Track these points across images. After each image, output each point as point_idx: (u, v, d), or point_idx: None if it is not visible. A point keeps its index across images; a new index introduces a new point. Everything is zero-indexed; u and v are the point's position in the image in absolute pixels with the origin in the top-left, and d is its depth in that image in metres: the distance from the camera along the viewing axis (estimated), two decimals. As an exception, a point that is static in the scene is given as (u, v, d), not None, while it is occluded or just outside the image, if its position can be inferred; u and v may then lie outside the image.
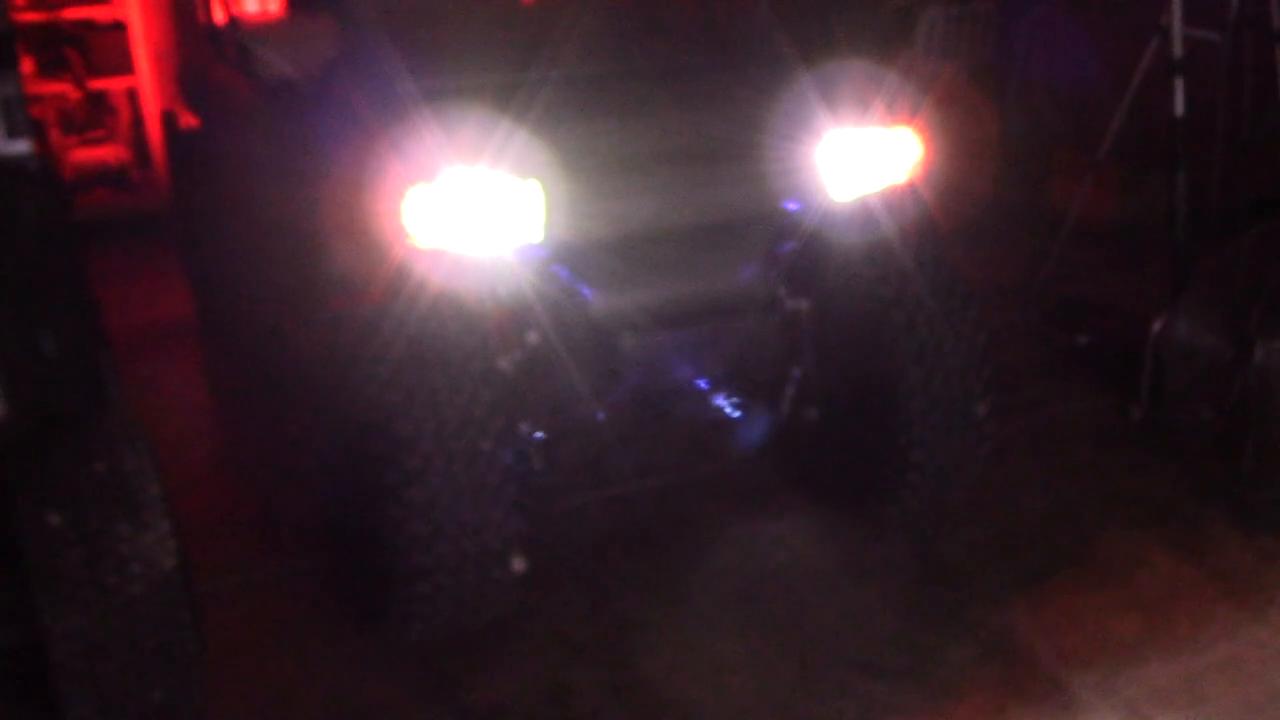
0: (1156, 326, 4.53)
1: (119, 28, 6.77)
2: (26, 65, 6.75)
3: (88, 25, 6.81)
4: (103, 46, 6.78)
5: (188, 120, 5.61)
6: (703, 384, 3.62)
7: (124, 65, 6.80)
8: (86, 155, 6.99)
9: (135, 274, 6.44)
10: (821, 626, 3.62)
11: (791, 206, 3.64)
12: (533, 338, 3.48)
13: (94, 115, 7.05)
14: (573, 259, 3.37)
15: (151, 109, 6.85)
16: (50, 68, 6.79)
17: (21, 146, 2.96)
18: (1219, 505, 4.16)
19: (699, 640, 3.55)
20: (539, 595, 3.61)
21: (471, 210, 3.18)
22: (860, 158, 3.62)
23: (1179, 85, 4.71)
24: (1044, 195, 6.36)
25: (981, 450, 3.87)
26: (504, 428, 3.23)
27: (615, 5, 3.55)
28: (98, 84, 6.86)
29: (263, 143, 4.16)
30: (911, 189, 3.75)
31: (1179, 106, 4.72)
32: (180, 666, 2.90)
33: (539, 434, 3.55)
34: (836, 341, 3.85)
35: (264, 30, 4.44)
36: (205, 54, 5.03)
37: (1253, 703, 3.30)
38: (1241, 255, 4.23)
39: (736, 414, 3.70)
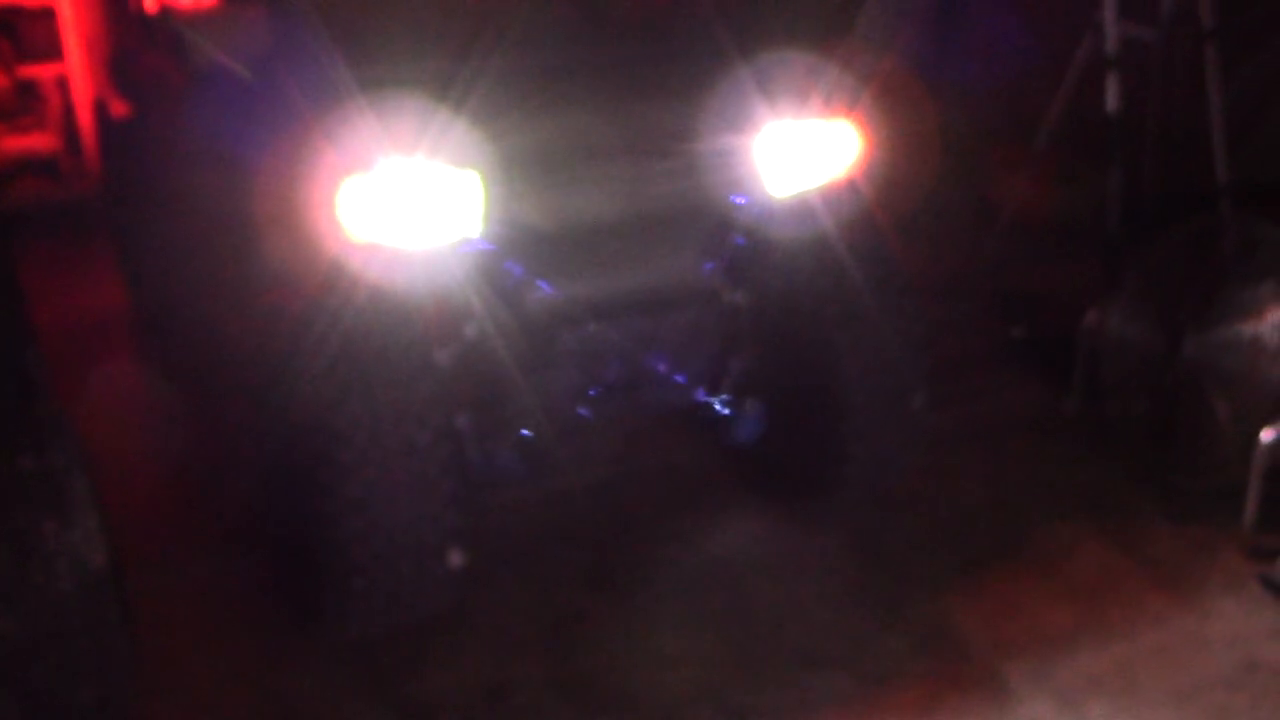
0: (1090, 319, 4.59)
1: (48, 13, 6.62)
2: (-49, 50, 6.60)
3: (16, 10, 6.65)
4: (32, 32, 6.62)
5: (120, 109, 5.51)
6: (644, 374, 3.61)
7: (53, 51, 6.65)
8: (15, 143, 6.84)
9: (66, 264, 6.30)
10: (761, 618, 3.64)
11: (731, 199, 3.64)
12: (470, 331, 3.45)
13: (22, 102, 6.89)
14: (511, 252, 3.34)
15: (82, 96, 6.70)
16: (-24, 52, 6.63)
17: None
18: (1151, 496, 4.23)
19: (639, 634, 3.55)
20: (477, 590, 3.58)
21: (408, 202, 3.14)
22: (799, 150, 3.62)
23: (1113, 80, 4.76)
24: (979, 188, 6.41)
25: (919, 441, 3.90)
26: (441, 422, 3.21)
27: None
28: (26, 70, 6.71)
29: (195, 132, 4.09)
30: (851, 182, 3.76)
31: (1112, 102, 4.77)
32: (109, 666, 2.85)
33: (474, 427, 3.53)
34: (775, 334, 3.86)
35: (196, 18, 4.34)
36: (136, 41, 4.93)
37: (1181, 690, 3.36)
38: (1173, 250, 4.30)
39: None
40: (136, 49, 4.94)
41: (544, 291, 3.39)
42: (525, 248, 3.37)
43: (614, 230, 3.44)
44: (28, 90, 6.88)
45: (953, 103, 6.57)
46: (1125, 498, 4.25)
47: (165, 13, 4.49)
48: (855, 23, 5.56)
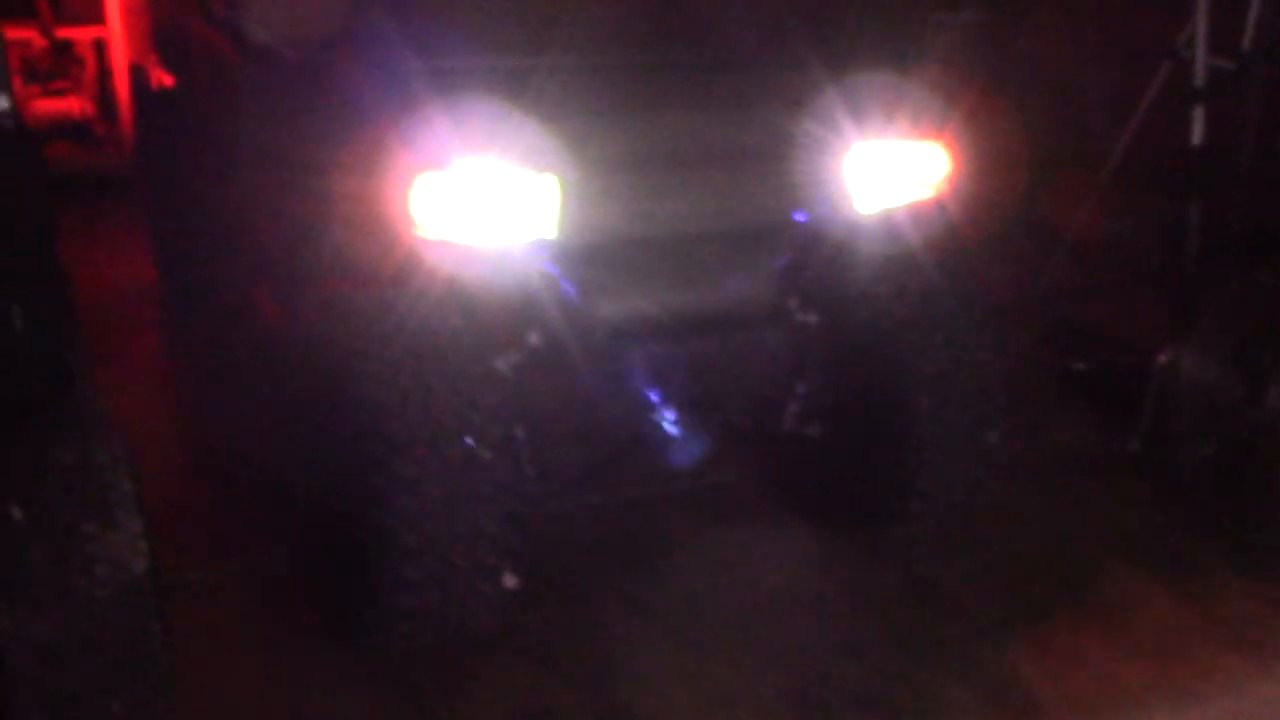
0: (1162, 358, 4.41)
1: (90, -26, 6.45)
2: (-10, 8, 6.41)
3: (56, -31, 6.49)
4: (72, -6, 6.45)
5: (161, 78, 5.33)
6: (710, 395, 3.44)
7: (93, 14, 6.47)
8: (49, 106, 6.66)
9: (94, 235, 6.14)
10: (818, 658, 3.45)
11: (811, 217, 3.46)
12: (534, 339, 3.28)
13: (59, 65, 6.71)
14: (584, 259, 3.17)
15: (120, 62, 6.53)
16: (15, 12, 6.44)
17: (2, 103, 2.71)
18: (1221, 549, 4.04)
19: (691, 670, 3.37)
20: (522, 609, 3.41)
21: (482, 202, 2.98)
22: (886, 171, 3.45)
23: (1199, 114, 4.58)
24: (1039, 215, 6.24)
25: (990, 480, 3.72)
26: (503, 434, 3.03)
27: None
28: (65, 32, 6.53)
29: (249, 111, 3.91)
30: (937, 204, 3.58)
31: (1197, 135, 4.59)
32: (145, 677, 2.68)
33: (531, 440, 3.35)
34: (845, 358, 3.68)
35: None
36: (187, 11, 4.75)
37: (1262, 762, 3.20)
38: (1258, 291, 4.11)
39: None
40: (186, 20, 4.76)
41: (614, 303, 3.22)
42: (598, 256, 3.20)
43: (692, 242, 3.27)
44: (64, 53, 6.70)
45: (1014, 126, 6.41)
46: (1194, 549, 4.07)
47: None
48: (942, 45, 5.37)
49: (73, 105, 6.70)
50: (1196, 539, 4.11)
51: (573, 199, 3.06)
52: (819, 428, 3.78)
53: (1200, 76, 4.62)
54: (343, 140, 3.15)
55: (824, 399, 3.75)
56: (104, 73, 6.75)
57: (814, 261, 3.58)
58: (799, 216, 3.47)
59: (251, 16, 3.67)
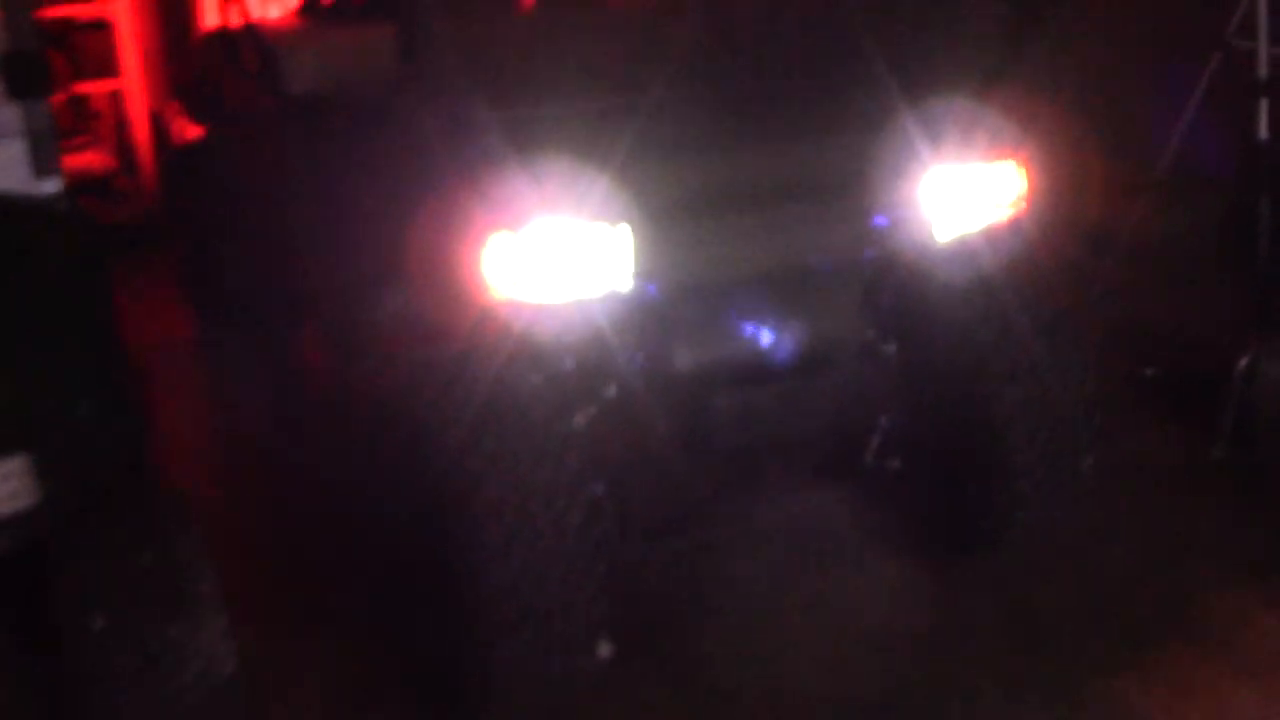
0: (1243, 361, 4.26)
1: (103, 27, 6.33)
2: (3, 66, 6.30)
3: (69, 24, 6.36)
4: (86, 47, 6.33)
5: (185, 129, 5.22)
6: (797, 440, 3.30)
7: (108, 67, 6.36)
8: (70, 162, 6.54)
9: (124, 288, 6.02)
10: (922, 700, 3.32)
11: (888, 245, 3.33)
12: (611, 391, 3.15)
13: (77, 120, 6.60)
14: (660, 307, 3.04)
15: (139, 114, 6.42)
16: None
17: (52, 186, 2.59)
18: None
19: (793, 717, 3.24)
20: (616, 666, 3.27)
21: (557, 259, 2.85)
22: (962, 194, 3.32)
23: (1263, 107, 4.44)
24: (1092, 212, 6.08)
25: (1085, 506, 3.59)
26: (590, 497, 2.90)
27: (709, 24, 3.20)
28: (81, 87, 6.42)
29: (293, 164, 3.79)
30: (1015, 225, 3.45)
31: (1263, 129, 4.45)
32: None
33: (614, 497, 3.22)
34: (928, 388, 3.55)
35: (293, 38, 4.03)
36: (214, 61, 4.64)
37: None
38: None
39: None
40: (214, 70, 4.65)
41: (693, 351, 3.09)
42: (674, 303, 3.07)
43: (770, 283, 3.14)
44: (82, 107, 6.60)
45: (1061, 119, 6.25)
46: (1291, 560, 3.93)
47: (251, 31, 4.20)
48: (1016, 62, 5.22)
49: (93, 160, 6.59)
50: (1292, 549, 3.96)
51: (646, 247, 2.93)
52: (901, 460, 3.64)
53: (1263, 67, 4.47)
54: (403, 195, 3.02)
55: (907, 431, 3.61)
56: (122, 125, 6.62)
57: (892, 290, 3.44)
58: (885, 244, 3.33)
59: (293, 66, 3.53)
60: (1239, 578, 3.84)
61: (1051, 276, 3.54)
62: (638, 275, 2.94)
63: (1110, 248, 5.56)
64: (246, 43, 4.21)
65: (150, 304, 5.76)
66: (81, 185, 6.54)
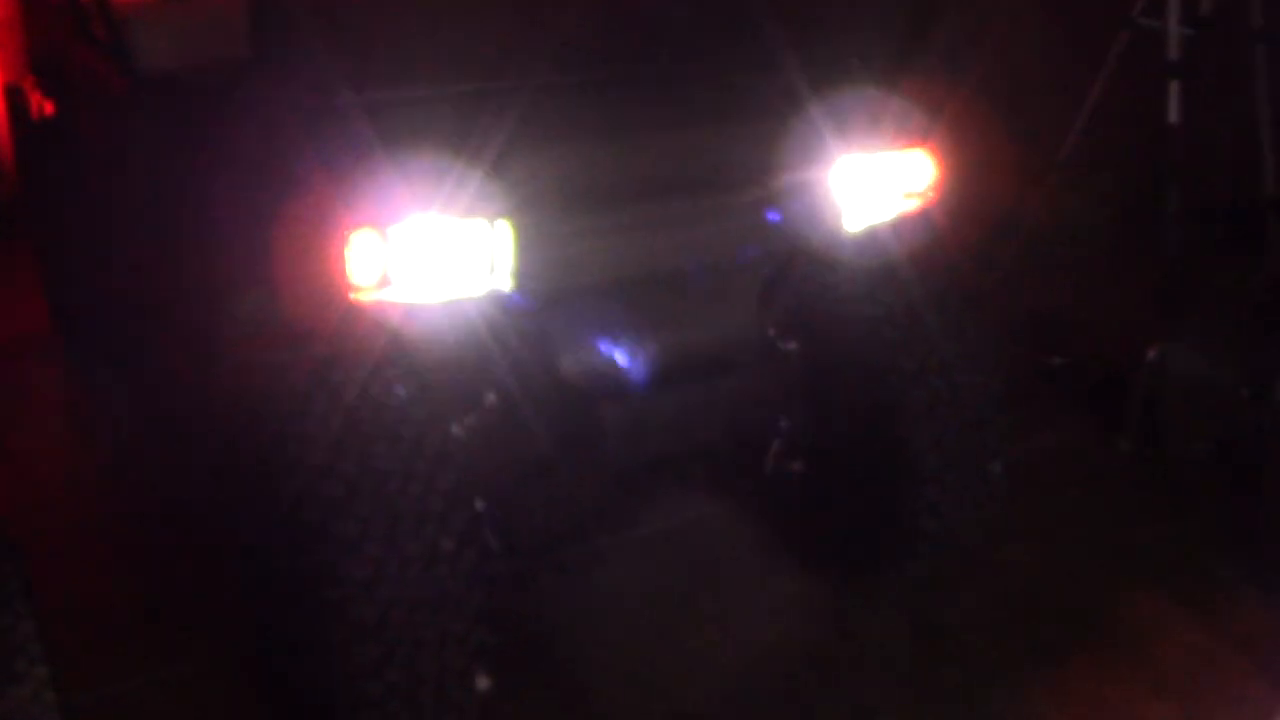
0: (1151, 353, 4.14)
1: (-47, -8, 5.85)
2: None
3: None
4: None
5: (43, 104, 4.81)
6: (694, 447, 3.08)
7: (-43, 33, 5.88)
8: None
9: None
10: (829, 724, 3.14)
11: (790, 238, 3.11)
12: (491, 398, 2.90)
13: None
14: (543, 309, 2.78)
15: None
16: None
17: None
18: (1233, 558, 3.79)
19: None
20: (497, 694, 3.02)
21: (427, 257, 2.58)
22: (870, 184, 3.12)
23: (1175, 90, 4.31)
24: (993, 197, 5.94)
25: (994, 512, 3.42)
26: (466, 520, 2.65)
27: (598, 1, 2.94)
28: (-73, 57, 5.92)
29: (142, 146, 3.45)
30: (924, 216, 3.26)
31: (1174, 113, 4.32)
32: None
33: (494, 512, 2.97)
34: (830, 388, 3.35)
35: (147, 12, 3.67)
36: (64, 33, 4.25)
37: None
38: (1258, 280, 3.86)
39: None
40: (64, 42, 4.26)
41: (579, 357, 2.84)
42: (559, 304, 2.82)
43: (665, 281, 2.91)
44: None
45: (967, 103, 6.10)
46: (1202, 560, 3.81)
47: (101, 2, 3.83)
48: (922, 44, 5.02)
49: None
50: (1205, 550, 3.84)
51: (525, 244, 2.68)
52: (803, 465, 3.44)
53: (1174, 48, 4.34)
54: (256, 185, 2.72)
55: (809, 433, 3.41)
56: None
57: (793, 285, 3.24)
58: (786, 238, 3.12)
59: (141, 37, 3.19)
60: (1147, 580, 3.72)
61: (960, 269, 3.35)
62: (516, 274, 2.68)
63: (1014, 234, 5.43)
64: (99, 15, 3.85)
65: (4, 295, 5.36)
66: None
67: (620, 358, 2.86)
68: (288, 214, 2.58)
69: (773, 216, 3.02)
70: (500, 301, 2.69)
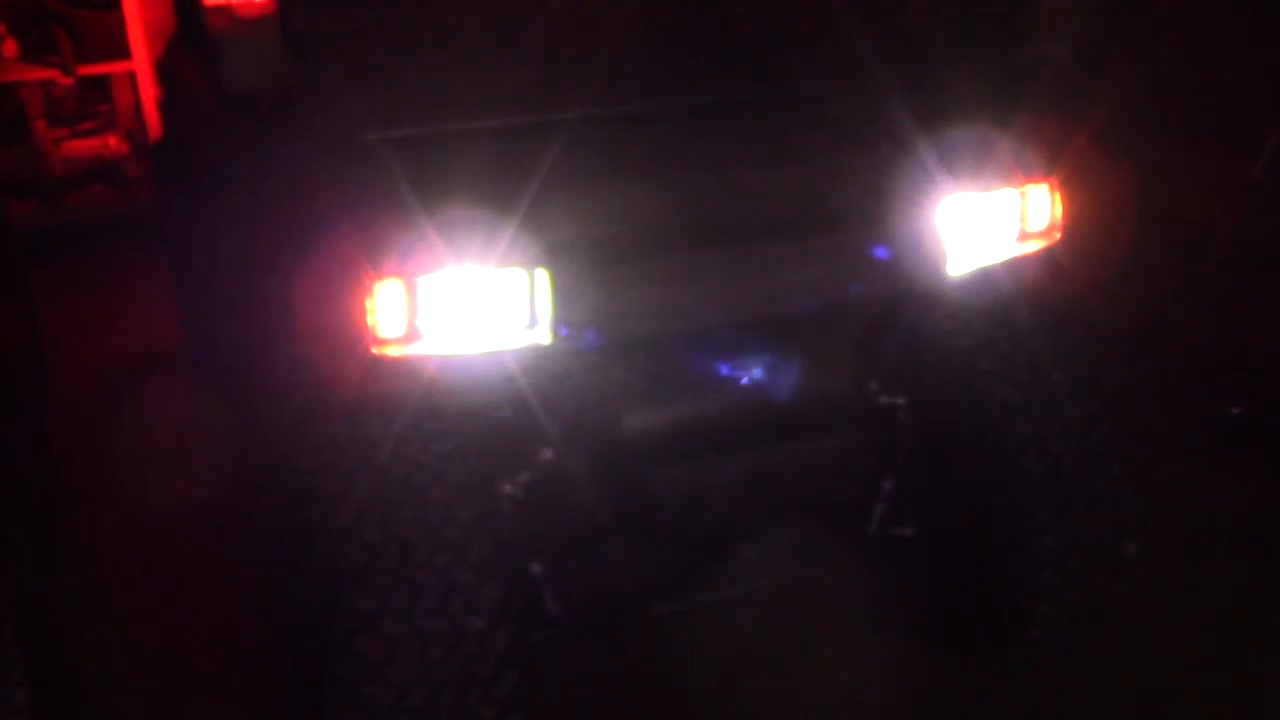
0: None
1: (112, 5, 5.97)
2: (9, 48, 6.00)
3: (77, 3, 6.01)
4: (95, 27, 5.98)
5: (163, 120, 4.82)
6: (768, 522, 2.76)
7: (118, 48, 6.01)
8: (78, 147, 6.23)
9: (124, 287, 5.69)
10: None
11: (888, 284, 2.76)
12: (546, 454, 2.65)
13: (85, 104, 6.27)
14: (592, 365, 2.52)
15: (149, 98, 6.07)
16: (35, 51, 6.01)
17: None
18: None
19: None
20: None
21: (461, 310, 2.35)
22: (983, 224, 2.74)
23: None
24: (1178, 216, 5.37)
25: (1127, 598, 2.99)
26: (505, 591, 2.40)
27: (657, 17, 2.66)
28: (88, 69, 6.07)
29: (218, 169, 3.35)
30: (1046, 258, 2.85)
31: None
32: None
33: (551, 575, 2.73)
34: (940, 449, 2.97)
35: (240, 29, 3.56)
36: (181, 45, 4.22)
37: None
38: None
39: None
40: (179, 53, 4.23)
41: (636, 416, 2.57)
42: (610, 360, 2.55)
43: (736, 334, 2.60)
44: (91, 91, 6.27)
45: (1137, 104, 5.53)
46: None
47: (204, 12, 3.73)
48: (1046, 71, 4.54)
49: (103, 145, 6.26)
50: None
51: (573, 294, 2.41)
52: (913, 530, 3.08)
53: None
54: (286, 226, 2.55)
55: (919, 495, 3.05)
56: (136, 109, 6.27)
57: (899, 335, 2.88)
58: (887, 283, 2.77)
59: (230, 54, 3.05)
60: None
61: (1093, 319, 2.93)
62: (560, 326, 2.42)
63: (1201, 258, 4.87)
64: (203, 27, 3.76)
65: (145, 305, 5.41)
66: (91, 172, 6.24)
67: (678, 418, 2.57)
68: (311, 258, 2.40)
69: (868, 260, 2.67)
70: (543, 355, 2.44)
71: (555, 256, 2.36)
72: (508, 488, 2.63)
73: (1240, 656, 3.25)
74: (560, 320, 2.41)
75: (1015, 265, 2.82)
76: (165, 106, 4.47)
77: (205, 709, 3.08)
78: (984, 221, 2.74)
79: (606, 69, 2.51)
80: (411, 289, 2.32)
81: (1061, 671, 3.17)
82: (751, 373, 2.65)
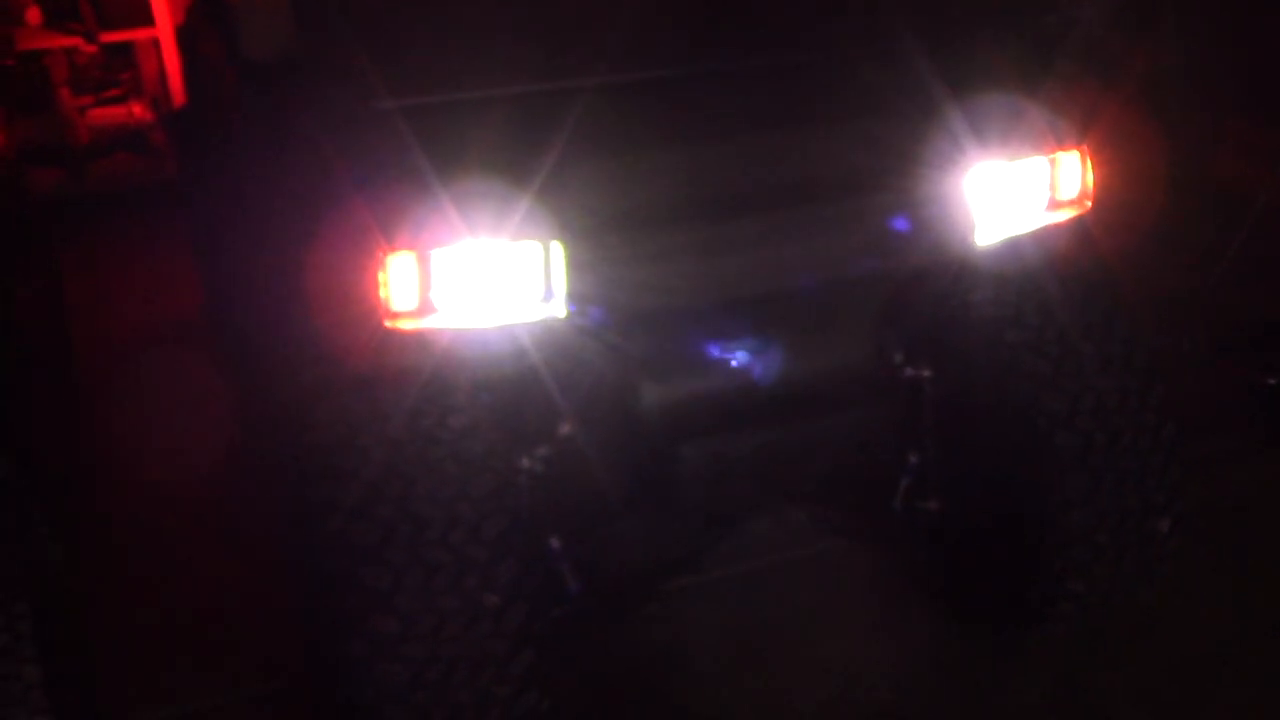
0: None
1: (137, -29, 5.94)
2: (32, 16, 5.97)
3: (96, -32, 5.99)
4: (118, -7, 5.96)
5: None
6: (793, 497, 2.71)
7: (142, 16, 5.97)
8: (103, 115, 6.22)
9: (147, 257, 5.67)
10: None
11: (913, 253, 2.70)
12: (564, 429, 2.61)
13: (109, 72, 6.25)
14: (609, 339, 2.47)
15: (174, 66, 6.03)
16: (59, 18, 5.98)
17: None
18: None
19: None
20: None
21: (474, 283, 2.31)
22: (1011, 192, 2.67)
23: None
24: (1212, 179, 5.24)
25: (1160, 574, 2.93)
26: (516, 572, 2.37)
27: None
28: (115, 36, 6.04)
29: (233, 141, 3.31)
30: (1077, 227, 2.78)
31: None
32: None
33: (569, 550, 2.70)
34: (967, 422, 2.91)
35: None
36: (197, 13, 4.18)
37: None
38: None
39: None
40: (199, 21, 4.19)
41: (657, 390, 2.52)
42: (633, 331, 2.50)
43: (755, 305, 2.54)
44: (115, 58, 6.24)
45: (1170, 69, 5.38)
46: None
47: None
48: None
49: (128, 113, 6.24)
50: None
51: (589, 266, 2.37)
52: (939, 504, 3.03)
53: None
54: (297, 198, 2.50)
55: (944, 468, 2.99)
56: (161, 77, 6.24)
57: (925, 305, 2.82)
58: (912, 252, 2.70)
59: (246, 22, 3.00)
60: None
61: (1125, 290, 2.86)
62: (575, 298, 2.37)
63: (1240, 224, 4.75)
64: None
65: (171, 271, 5.39)
66: (116, 140, 6.22)
67: (699, 392, 2.52)
68: (324, 230, 2.36)
69: (893, 229, 2.61)
70: (558, 329, 2.39)
71: (571, 229, 2.31)
72: (525, 462, 2.59)
73: (1276, 631, 3.19)
74: (576, 294, 2.36)
75: (1045, 235, 2.75)
76: (185, 75, 4.43)
77: (219, 687, 3.08)
78: (1013, 190, 2.67)
79: (626, 35, 2.45)
80: (425, 262, 2.28)
81: (1092, 648, 3.12)
82: (772, 345, 2.59)
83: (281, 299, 2.58)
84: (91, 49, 6.06)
